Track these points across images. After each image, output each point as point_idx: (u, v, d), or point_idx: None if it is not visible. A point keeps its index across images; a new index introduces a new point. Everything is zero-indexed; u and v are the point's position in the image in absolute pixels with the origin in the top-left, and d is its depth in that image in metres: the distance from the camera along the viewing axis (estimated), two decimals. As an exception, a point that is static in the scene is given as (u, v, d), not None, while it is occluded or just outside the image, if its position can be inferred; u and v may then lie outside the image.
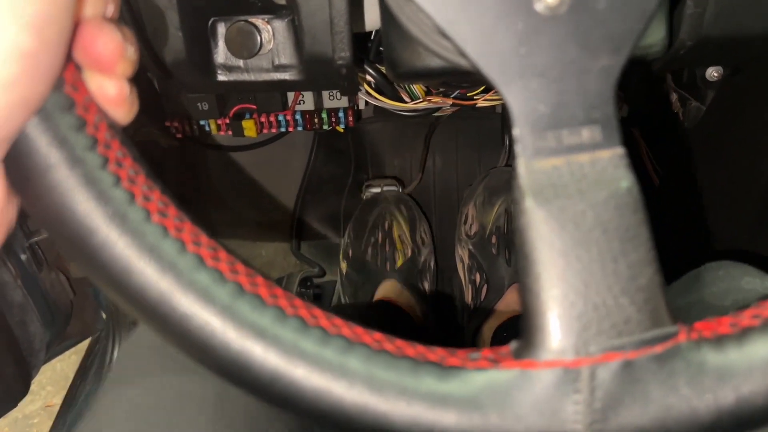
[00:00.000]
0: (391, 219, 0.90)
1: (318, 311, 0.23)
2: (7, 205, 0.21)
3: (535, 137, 0.23)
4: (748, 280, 0.46)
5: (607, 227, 0.22)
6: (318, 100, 0.77)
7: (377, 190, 0.97)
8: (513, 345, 0.23)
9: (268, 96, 0.75)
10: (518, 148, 0.23)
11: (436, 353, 0.23)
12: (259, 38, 0.44)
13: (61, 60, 0.20)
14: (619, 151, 0.23)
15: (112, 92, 0.22)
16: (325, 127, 0.79)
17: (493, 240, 0.85)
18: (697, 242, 0.76)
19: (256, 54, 0.45)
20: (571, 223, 0.22)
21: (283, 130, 0.79)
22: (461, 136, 1.07)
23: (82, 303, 0.89)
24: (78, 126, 0.21)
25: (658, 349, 0.21)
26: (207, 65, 0.45)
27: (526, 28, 0.23)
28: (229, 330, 0.21)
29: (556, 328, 0.22)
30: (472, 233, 0.88)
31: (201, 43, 0.44)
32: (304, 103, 0.77)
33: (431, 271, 0.91)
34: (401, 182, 1.01)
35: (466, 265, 0.89)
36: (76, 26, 0.21)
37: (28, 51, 0.18)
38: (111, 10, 0.22)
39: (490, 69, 0.24)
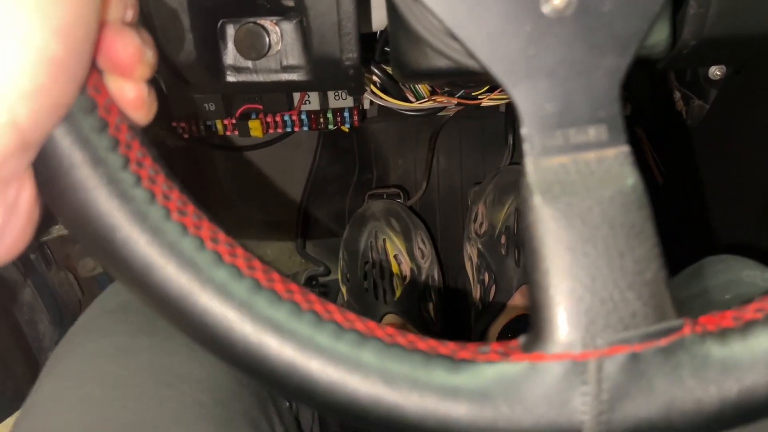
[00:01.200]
0: (384, 238, 0.85)
1: (332, 306, 0.24)
2: (35, 205, 0.22)
3: (543, 136, 0.24)
4: (748, 273, 0.46)
5: (613, 223, 0.23)
6: (323, 101, 0.77)
7: (380, 199, 0.95)
8: (522, 339, 0.24)
9: (274, 96, 0.76)
10: (526, 147, 0.24)
11: (447, 347, 0.24)
12: (267, 39, 0.45)
13: (87, 65, 0.21)
14: (625, 149, 0.24)
15: (131, 95, 0.23)
16: (330, 126, 0.80)
17: (503, 240, 0.84)
18: (701, 240, 0.76)
19: (265, 55, 0.45)
20: (578, 219, 0.23)
21: (288, 130, 0.80)
22: (465, 136, 1.07)
23: (91, 302, 0.89)
24: (100, 127, 0.22)
25: (663, 342, 0.22)
26: (216, 66, 0.46)
27: (533, 29, 0.24)
28: (247, 324, 0.22)
29: (564, 321, 0.22)
30: (482, 232, 0.87)
31: (210, 45, 0.45)
32: (309, 103, 0.77)
33: (436, 286, 0.88)
34: (405, 191, 1.01)
35: (474, 264, 0.88)
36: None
37: (56, 57, 0.19)
38: (130, 14, 0.23)
39: (498, 70, 0.24)
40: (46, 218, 0.22)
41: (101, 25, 0.22)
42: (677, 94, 0.78)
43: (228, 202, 1.04)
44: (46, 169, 0.21)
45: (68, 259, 0.86)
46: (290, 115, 0.78)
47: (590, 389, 0.22)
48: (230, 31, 0.45)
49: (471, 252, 0.89)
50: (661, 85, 0.82)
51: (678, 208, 0.80)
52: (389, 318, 0.81)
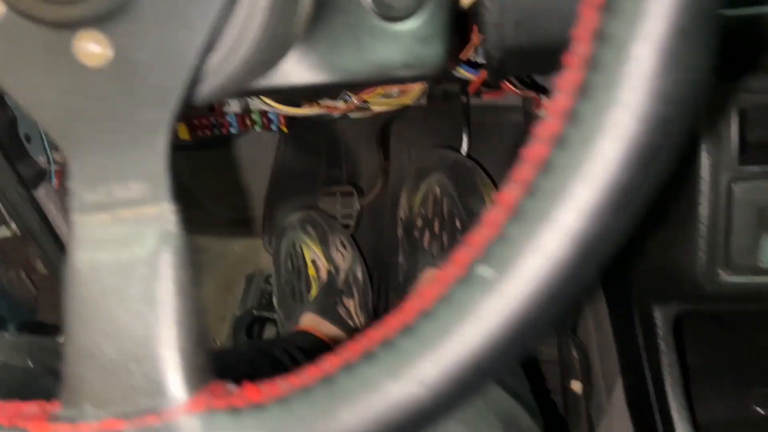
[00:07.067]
0: (300, 245, 0.87)
1: None
2: None
3: (86, 190, 0.23)
4: None
5: (128, 289, 0.22)
6: (243, 102, 0.77)
7: (333, 197, 0.95)
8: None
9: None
10: (71, 202, 0.23)
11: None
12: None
13: None
14: (166, 206, 0.23)
15: None
16: (257, 128, 0.80)
17: (418, 223, 0.83)
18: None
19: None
20: (104, 281, 0.22)
21: (217, 132, 0.80)
22: (436, 128, 1.04)
23: (56, 296, 0.94)
24: None
25: (153, 420, 0.21)
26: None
27: (73, 82, 0.23)
28: None
29: (68, 390, 0.21)
30: (404, 217, 0.86)
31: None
32: (229, 104, 0.77)
33: (359, 284, 0.88)
34: (358, 188, 0.99)
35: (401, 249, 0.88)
36: None
37: None
38: None
39: (44, 122, 0.23)
40: None
41: None
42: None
43: (194, 201, 1.06)
44: None
45: (28, 258, 0.91)
46: (215, 117, 0.78)
47: None
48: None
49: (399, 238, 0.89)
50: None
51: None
52: (306, 317, 0.82)
